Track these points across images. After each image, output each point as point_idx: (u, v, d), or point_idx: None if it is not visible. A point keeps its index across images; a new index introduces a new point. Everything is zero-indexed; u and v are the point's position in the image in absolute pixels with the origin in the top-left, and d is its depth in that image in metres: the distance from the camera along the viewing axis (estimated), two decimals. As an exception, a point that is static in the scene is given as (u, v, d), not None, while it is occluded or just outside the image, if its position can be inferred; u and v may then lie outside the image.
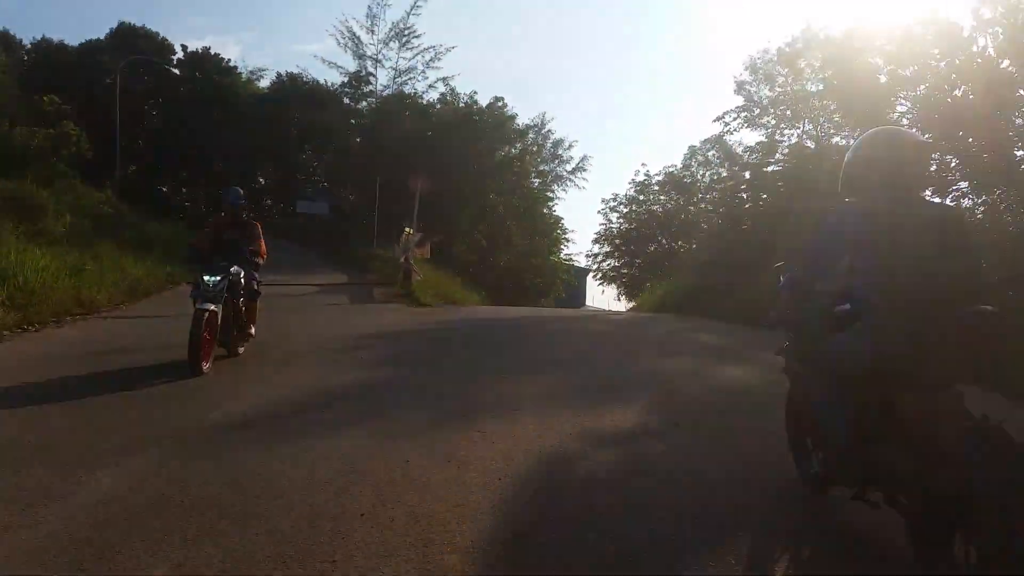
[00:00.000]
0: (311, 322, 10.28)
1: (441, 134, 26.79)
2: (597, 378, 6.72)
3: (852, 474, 2.93)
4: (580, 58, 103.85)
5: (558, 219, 42.73)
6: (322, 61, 58.77)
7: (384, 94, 29.16)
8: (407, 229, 16.40)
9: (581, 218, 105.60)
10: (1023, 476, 2.18)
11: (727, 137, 27.51)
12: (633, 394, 5.95)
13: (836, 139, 19.69)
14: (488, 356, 8.03)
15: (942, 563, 2.41)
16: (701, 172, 39.48)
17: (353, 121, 29.81)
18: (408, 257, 15.66)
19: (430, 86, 30.63)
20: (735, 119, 24.84)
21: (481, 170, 26.92)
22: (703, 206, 39.55)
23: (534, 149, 33.91)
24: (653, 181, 41.42)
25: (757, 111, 24.11)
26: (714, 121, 26.63)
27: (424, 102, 29.52)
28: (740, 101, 24.84)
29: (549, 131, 41.27)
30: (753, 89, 24.20)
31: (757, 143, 23.65)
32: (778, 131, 23.13)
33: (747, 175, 22.84)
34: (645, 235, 41.87)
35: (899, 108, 14.86)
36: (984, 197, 12.40)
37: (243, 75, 38.86)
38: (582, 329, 11.57)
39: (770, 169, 21.10)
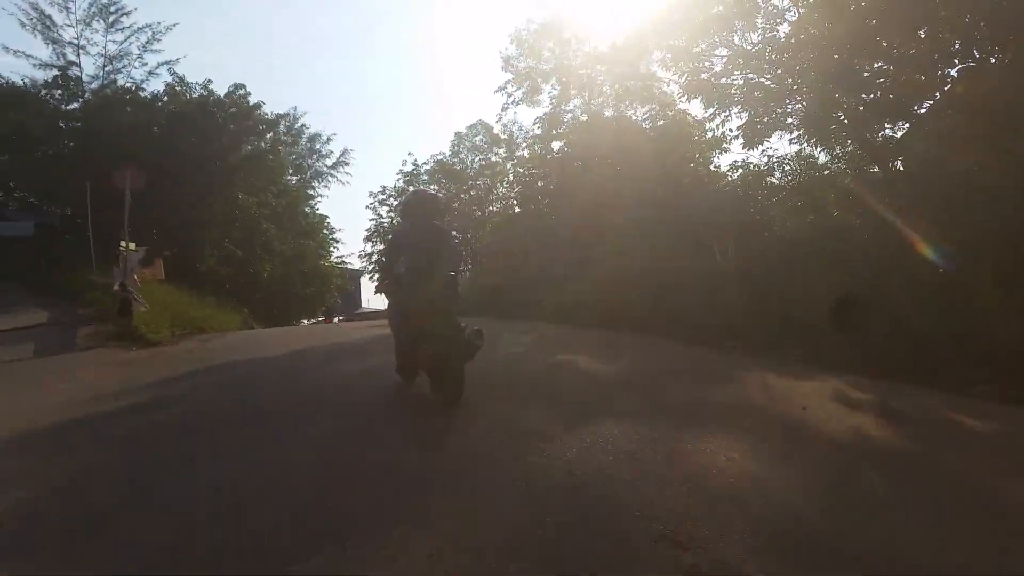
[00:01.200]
0: None
1: (171, 129, 21.92)
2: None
3: (410, 363, 6.11)
4: (326, 43, 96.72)
5: (323, 218, 39.14)
6: (4, 50, 46.66)
7: (92, 87, 23.20)
8: (124, 244, 12.38)
9: (349, 217, 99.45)
10: (466, 359, 5.44)
11: (507, 113, 26.81)
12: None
13: (608, 112, 19.58)
14: (244, 476, 4.12)
15: (439, 395, 5.55)
16: (471, 158, 38.73)
17: (63, 124, 23.12)
18: (127, 282, 11.70)
19: (151, 73, 25.19)
20: (518, 89, 23.99)
21: (225, 167, 22.53)
22: (472, 193, 39.06)
23: (288, 140, 29.86)
24: (422, 171, 39.66)
25: (534, 82, 23.45)
26: (496, 92, 25.61)
27: (147, 94, 24.08)
28: (509, 77, 24.12)
29: (303, 125, 37.40)
30: (521, 65, 23.47)
31: (537, 118, 23.25)
32: (558, 105, 22.69)
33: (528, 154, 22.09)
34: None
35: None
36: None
37: None
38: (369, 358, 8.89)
39: (556, 145, 20.43)
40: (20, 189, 23.31)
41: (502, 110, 29.51)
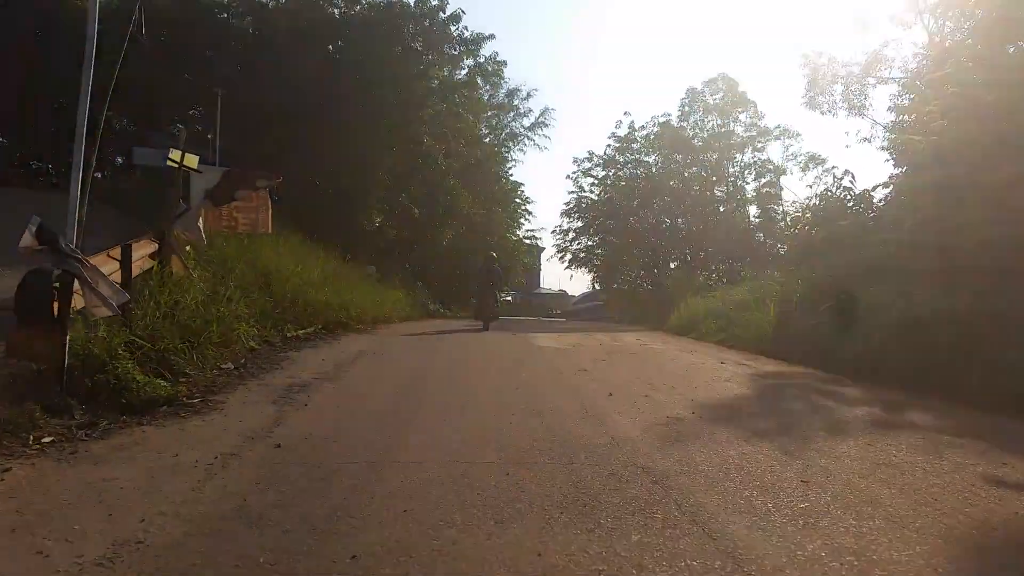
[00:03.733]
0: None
1: (346, 36, 16.85)
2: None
3: (481, 314, 13.23)
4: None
5: (516, 185, 33.32)
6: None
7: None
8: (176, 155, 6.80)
9: (537, 187, 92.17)
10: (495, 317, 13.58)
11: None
12: None
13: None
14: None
15: (487, 323, 13.04)
16: (705, 120, 30.54)
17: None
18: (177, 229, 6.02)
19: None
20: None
21: (407, 98, 17.00)
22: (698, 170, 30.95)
23: (491, 69, 23.95)
24: (638, 136, 32.25)
25: None
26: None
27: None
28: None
29: (500, 75, 31.41)
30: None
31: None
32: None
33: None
34: (625, 208, 32.69)
35: None
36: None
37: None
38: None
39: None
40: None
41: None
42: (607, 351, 8.69)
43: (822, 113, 20.79)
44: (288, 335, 7.77)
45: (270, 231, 9.27)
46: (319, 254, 11.70)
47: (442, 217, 19.74)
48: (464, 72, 21.09)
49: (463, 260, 23.79)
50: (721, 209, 31.59)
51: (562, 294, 53.71)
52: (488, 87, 28.65)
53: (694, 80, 39.70)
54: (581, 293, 48.28)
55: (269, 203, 9.12)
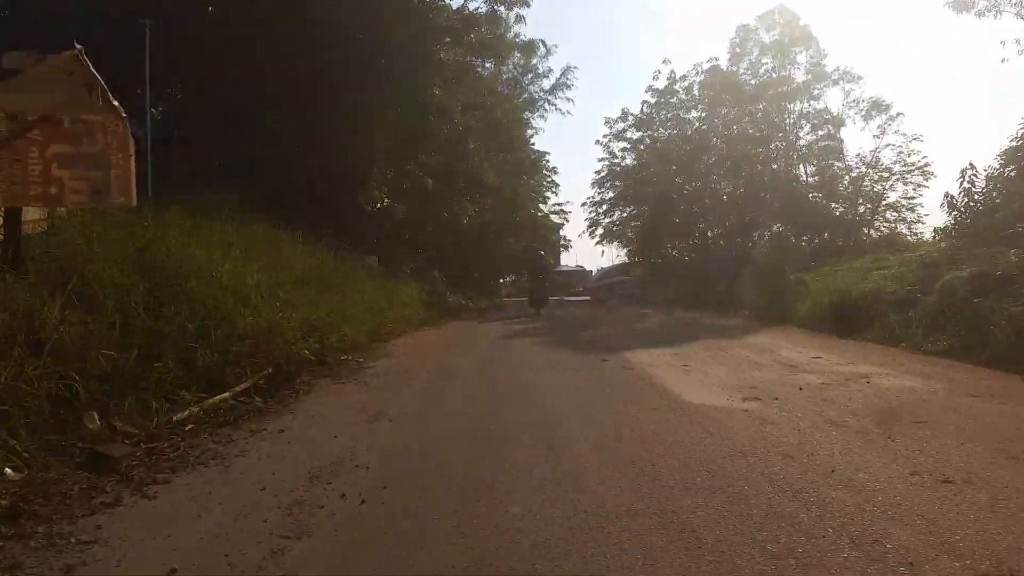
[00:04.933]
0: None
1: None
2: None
3: (533, 302, 16.71)
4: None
5: (541, 154, 29.42)
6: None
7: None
8: None
9: (560, 156, 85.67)
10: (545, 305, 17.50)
11: None
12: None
13: None
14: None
15: (538, 310, 16.99)
16: (759, 63, 26.09)
17: None
18: None
19: None
20: None
21: (413, 34, 13.05)
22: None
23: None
24: (680, 87, 27.98)
25: None
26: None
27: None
28: None
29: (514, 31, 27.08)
30: None
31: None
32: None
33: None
34: (661, 175, 28.59)
35: None
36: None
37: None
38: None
39: None
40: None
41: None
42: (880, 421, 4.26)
43: (978, 15, 15.54)
44: (165, 418, 3.97)
45: (133, 201, 4.82)
46: (292, 245, 7.96)
47: (462, 190, 15.89)
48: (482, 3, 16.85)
49: (487, 243, 20.03)
50: (774, 167, 27.36)
51: (580, 270, 50.04)
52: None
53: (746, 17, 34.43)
54: (601, 269, 44.11)
55: (129, 147, 5.11)
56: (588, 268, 50.15)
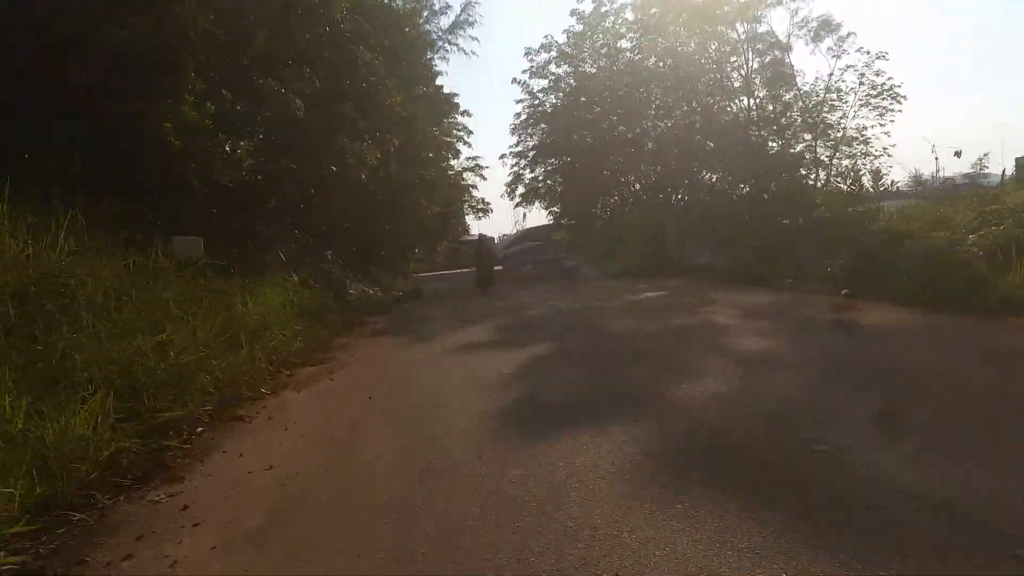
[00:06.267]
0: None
1: None
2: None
3: (480, 281, 15.84)
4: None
5: (449, 96, 24.16)
6: None
7: None
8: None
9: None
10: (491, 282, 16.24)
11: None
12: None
13: None
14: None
15: (485, 289, 15.76)
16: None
17: None
18: None
19: None
20: None
21: None
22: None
23: None
24: (608, 8, 23.41)
25: None
26: None
27: None
28: None
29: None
30: None
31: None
32: None
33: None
34: (584, 121, 24.29)
35: None
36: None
37: None
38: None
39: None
40: None
41: None
42: None
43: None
44: None
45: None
46: None
47: (355, 123, 10.44)
48: None
49: (394, 206, 14.83)
50: (710, 101, 23.52)
51: (483, 238, 44.71)
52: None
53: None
54: (508, 235, 39.01)
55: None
56: (490, 235, 44.98)
